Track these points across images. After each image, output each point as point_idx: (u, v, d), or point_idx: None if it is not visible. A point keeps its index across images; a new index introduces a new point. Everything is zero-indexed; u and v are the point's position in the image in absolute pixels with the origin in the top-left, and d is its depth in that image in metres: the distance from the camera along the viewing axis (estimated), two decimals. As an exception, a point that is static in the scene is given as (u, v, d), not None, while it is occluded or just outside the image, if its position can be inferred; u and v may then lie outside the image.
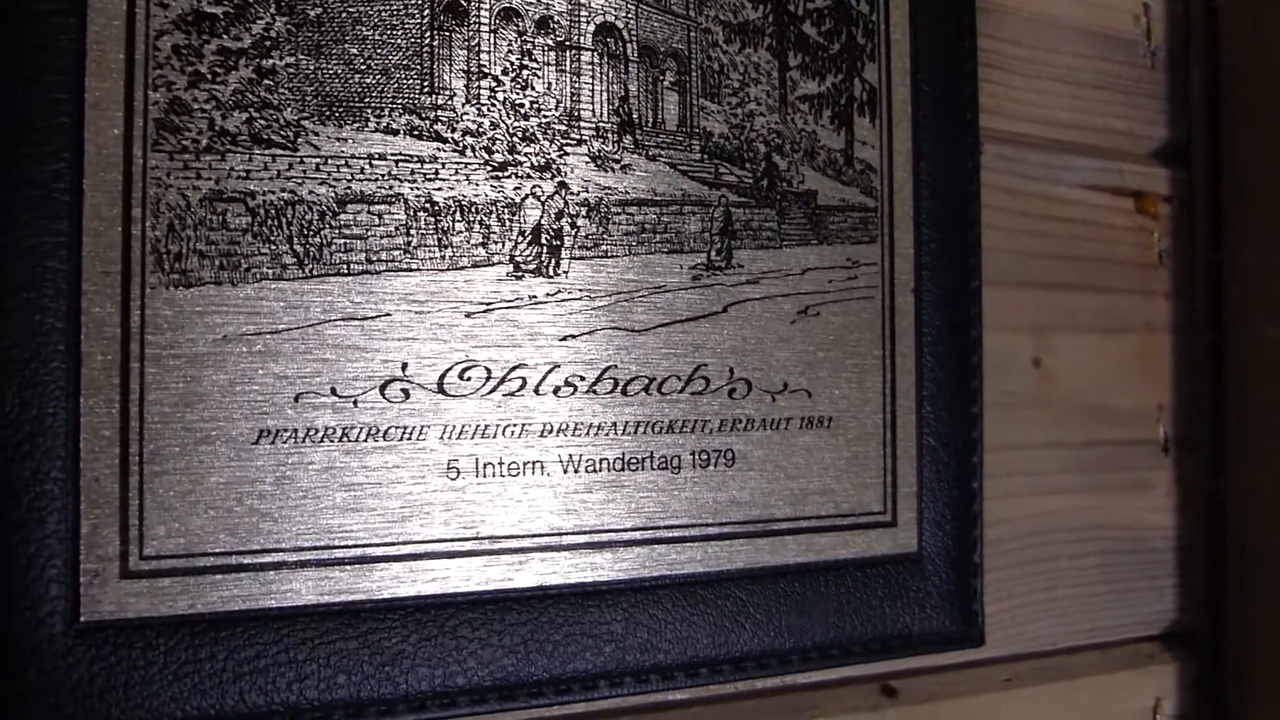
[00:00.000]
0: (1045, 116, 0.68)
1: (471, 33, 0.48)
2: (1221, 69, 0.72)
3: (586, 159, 0.50)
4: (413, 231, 0.47)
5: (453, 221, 0.47)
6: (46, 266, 0.41)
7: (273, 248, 0.44)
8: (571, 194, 0.50)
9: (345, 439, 0.45)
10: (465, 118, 0.48)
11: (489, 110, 0.48)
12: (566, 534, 0.49)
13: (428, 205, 0.47)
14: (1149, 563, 0.72)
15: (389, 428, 0.46)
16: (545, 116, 0.50)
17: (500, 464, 0.48)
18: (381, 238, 0.46)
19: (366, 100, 0.46)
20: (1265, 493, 0.69)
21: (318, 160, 0.45)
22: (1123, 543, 0.70)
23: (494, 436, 0.48)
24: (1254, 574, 0.69)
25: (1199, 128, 0.73)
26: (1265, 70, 0.70)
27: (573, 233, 0.50)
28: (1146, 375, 0.72)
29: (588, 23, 0.51)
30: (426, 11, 0.48)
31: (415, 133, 0.47)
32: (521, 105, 0.49)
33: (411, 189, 0.47)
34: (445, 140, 0.47)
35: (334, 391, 0.45)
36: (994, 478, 0.63)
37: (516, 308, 0.48)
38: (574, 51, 0.51)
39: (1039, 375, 0.67)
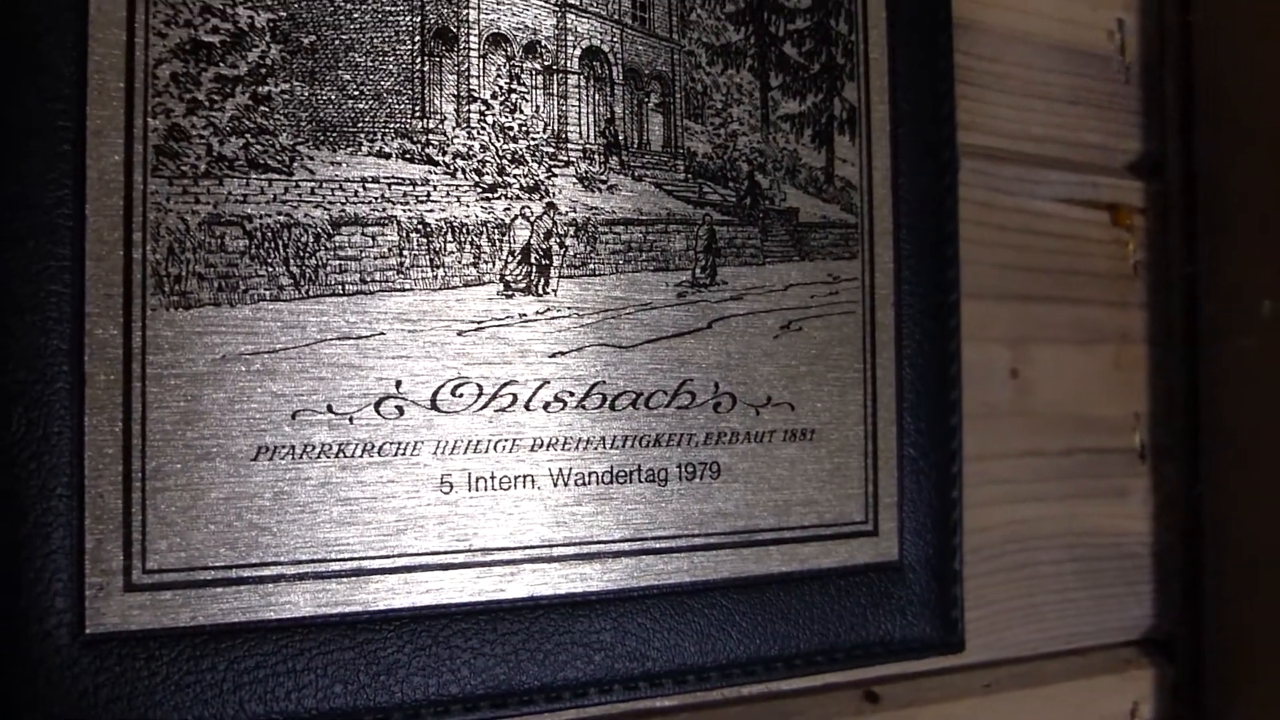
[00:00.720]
0: (1021, 131, 0.69)
1: (461, 58, 0.49)
2: (1196, 82, 0.73)
3: (574, 180, 0.52)
4: (405, 252, 0.47)
5: (444, 242, 0.48)
6: (50, 290, 0.41)
7: (270, 269, 0.45)
8: (559, 214, 0.51)
9: (341, 455, 0.46)
10: (456, 141, 0.49)
11: (479, 133, 0.49)
12: (557, 545, 0.50)
13: (420, 227, 0.48)
14: (1127, 569, 0.72)
15: (383, 443, 0.47)
16: (533, 139, 0.51)
17: (492, 478, 0.49)
18: (375, 259, 0.47)
19: (360, 125, 0.47)
20: (1241, 499, 0.70)
21: (313, 184, 0.46)
22: (1101, 549, 0.71)
23: (486, 451, 0.49)
24: (1231, 579, 0.70)
25: (1173, 141, 0.74)
26: (1239, 83, 0.71)
27: (561, 252, 0.51)
28: (1123, 385, 0.73)
29: (574, 47, 0.52)
30: (417, 38, 0.49)
31: (407, 156, 0.48)
32: (510, 128, 0.50)
33: (404, 211, 0.48)
34: (436, 163, 0.48)
35: (330, 409, 0.46)
36: (973, 487, 0.64)
37: (507, 325, 0.49)
38: (561, 75, 0.52)
39: (1017, 386, 0.68)
